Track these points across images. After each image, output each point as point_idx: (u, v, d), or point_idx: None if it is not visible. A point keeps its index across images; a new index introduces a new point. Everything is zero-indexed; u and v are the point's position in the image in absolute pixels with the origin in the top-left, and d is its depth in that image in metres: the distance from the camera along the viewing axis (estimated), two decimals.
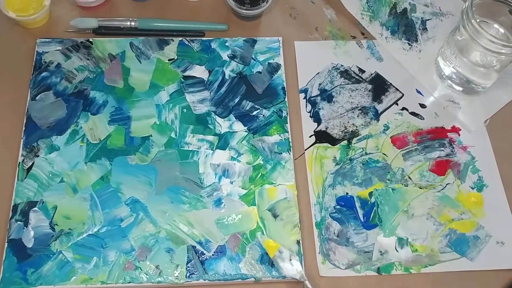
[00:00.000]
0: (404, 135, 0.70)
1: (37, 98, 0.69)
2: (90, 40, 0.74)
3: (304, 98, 0.72)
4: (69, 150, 0.66)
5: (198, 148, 0.67)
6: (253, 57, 0.74)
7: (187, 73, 0.72)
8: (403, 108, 0.73)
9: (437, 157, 0.69)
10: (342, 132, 0.70)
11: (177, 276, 0.60)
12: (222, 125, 0.69)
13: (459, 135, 0.71)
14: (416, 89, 0.74)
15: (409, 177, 0.67)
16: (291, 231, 0.63)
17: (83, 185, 0.64)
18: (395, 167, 0.68)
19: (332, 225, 0.64)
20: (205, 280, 0.60)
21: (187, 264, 0.60)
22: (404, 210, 0.65)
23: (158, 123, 0.68)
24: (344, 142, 0.69)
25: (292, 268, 0.60)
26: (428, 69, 0.76)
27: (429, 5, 0.80)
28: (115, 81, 0.71)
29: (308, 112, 0.71)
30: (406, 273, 0.62)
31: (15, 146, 0.66)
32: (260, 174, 0.66)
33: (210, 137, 0.68)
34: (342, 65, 0.75)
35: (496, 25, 0.70)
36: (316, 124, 0.71)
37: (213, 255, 0.61)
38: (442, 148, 0.70)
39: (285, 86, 0.72)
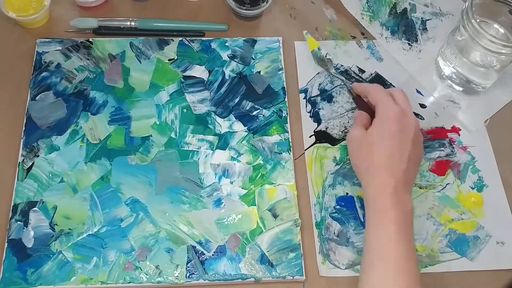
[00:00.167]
0: None
1: (37, 98, 0.69)
2: (90, 40, 0.74)
3: (304, 98, 0.72)
4: (69, 150, 0.66)
5: (198, 148, 0.67)
6: (253, 56, 0.74)
7: (187, 73, 0.72)
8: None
9: (437, 157, 0.69)
10: (342, 132, 0.70)
11: (177, 276, 0.60)
12: (222, 125, 0.69)
13: (459, 135, 0.71)
14: (416, 89, 0.74)
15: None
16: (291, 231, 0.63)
17: (83, 185, 0.64)
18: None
19: (332, 225, 0.64)
20: (205, 280, 0.60)
21: (187, 264, 0.60)
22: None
23: (158, 123, 0.68)
24: (344, 142, 0.69)
25: (325, 63, 0.70)
26: (428, 69, 0.76)
27: (429, 5, 0.80)
28: (115, 81, 0.71)
29: (308, 112, 0.71)
30: None
31: (15, 146, 0.66)
32: (260, 174, 0.66)
33: (210, 137, 0.68)
34: (342, 65, 0.75)
35: (496, 25, 0.70)
36: (316, 124, 0.71)
37: (213, 255, 0.61)
38: (442, 148, 0.70)
39: (285, 86, 0.72)
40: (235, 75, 0.73)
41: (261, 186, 0.65)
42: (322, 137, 0.70)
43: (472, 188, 0.67)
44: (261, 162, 0.67)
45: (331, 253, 0.62)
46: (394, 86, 0.74)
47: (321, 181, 0.67)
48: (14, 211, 0.62)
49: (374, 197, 0.56)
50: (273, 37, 0.76)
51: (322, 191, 0.66)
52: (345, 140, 0.69)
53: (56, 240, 0.61)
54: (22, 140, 0.66)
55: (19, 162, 0.65)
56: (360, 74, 0.75)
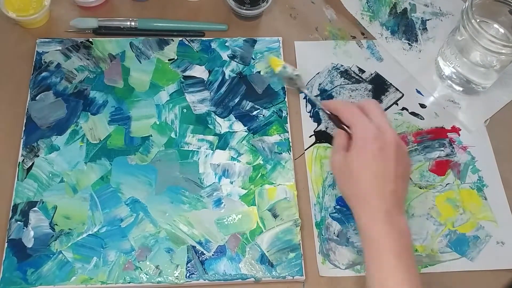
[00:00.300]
0: (404, 135, 0.70)
1: (37, 98, 0.69)
2: (90, 40, 0.74)
3: (304, 98, 0.72)
4: (69, 150, 0.66)
5: (198, 148, 0.67)
6: (253, 56, 0.74)
7: (187, 73, 0.72)
8: (403, 108, 0.73)
9: (437, 157, 0.69)
10: None
11: (177, 276, 0.60)
12: (222, 125, 0.69)
13: (459, 135, 0.71)
14: (416, 89, 0.74)
15: (409, 177, 0.67)
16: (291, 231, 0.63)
17: (83, 185, 0.64)
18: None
19: (332, 225, 0.64)
20: (205, 280, 0.60)
21: (187, 264, 0.60)
22: (404, 210, 0.65)
23: (158, 123, 0.68)
24: None
25: (293, 81, 0.65)
26: (428, 69, 0.76)
27: (429, 5, 0.80)
28: (115, 81, 0.71)
29: (308, 112, 0.71)
30: None
31: (15, 146, 0.66)
32: (260, 174, 0.66)
33: (210, 137, 0.68)
34: (342, 65, 0.75)
35: (496, 25, 0.70)
36: (316, 124, 0.71)
37: (213, 255, 0.61)
38: (442, 148, 0.70)
39: (285, 86, 0.72)
40: (235, 75, 0.73)
41: (261, 186, 0.65)
42: (322, 137, 0.70)
43: (472, 188, 0.67)
44: (261, 162, 0.67)
45: (331, 253, 0.62)
46: (394, 86, 0.74)
47: (321, 181, 0.67)
48: (14, 211, 0.62)
49: (366, 226, 0.53)
50: (273, 37, 0.76)
51: (322, 191, 0.66)
52: None
53: (56, 240, 0.61)
54: (22, 140, 0.66)
55: (19, 162, 0.65)
56: (360, 74, 0.75)
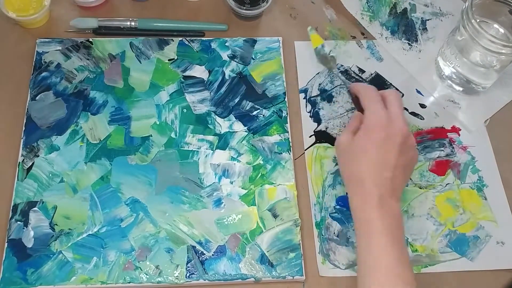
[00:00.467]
0: None
1: (37, 98, 0.69)
2: (90, 40, 0.74)
3: (304, 98, 0.72)
4: (69, 150, 0.66)
5: (198, 148, 0.67)
6: (253, 57, 0.74)
7: (187, 73, 0.72)
8: (403, 108, 0.72)
9: (437, 157, 0.69)
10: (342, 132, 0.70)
11: (177, 276, 0.60)
12: (222, 125, 0.69)
13: (459, 135, 0.71)
14: (416, 89, 0.74)
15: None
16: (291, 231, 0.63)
17: (83, 185, 0.64)
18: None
19: (332, 225, 0.64)
20: (205, 280, 0.60)
21: (187, 264, 0.60)
22: (404, 210, 0.65)
23: (158, 123, 0.68)
24: None
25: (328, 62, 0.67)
26: (428, 69, 0.76)
27: (429, 5, 0.80)
28: (115, 81, 0.71)
29: (308, 112, 0.71)
30: None
31: (15, 146, 0.66)
32: (260, 174, 0.66)
33: (210, 137, 0.68)
34: (342, 65, 0.75)
35: (496, 25, 0.70)
36: (316, 124, 0.71)
37: (213, 255, 0.61)
38: (442, 148, 0.70)
39: (285, 86, 0.72)
40: (235, 75, 0.73)
41: (261, 186, 0.65)
42: (322, 137, 0.70)
43: (472, 188, 0.67)
44: (261, 162, 0.67)
45: (331, 253, 0.62)
46: (394, 86, 0.74)
47: (321, 181, 0.67)
48: (14, 211, 0.62)
49: (359, 208, 0.55)
50: (273, 37, 0.76)
51: (322, 191, 0.66)
52: None
53: (56, 240, 0.61)
54: (22, 140, 0.66)
55: (19, 162, 0.65)
56: (360, 74, 0.75)
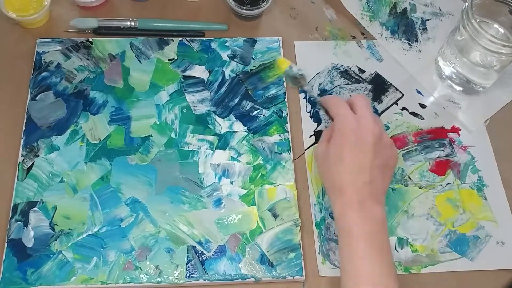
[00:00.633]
0: (404, 135, 0.70)
1: (37, 98, 0.69)
2: (90, 40, 0.74)
3: (304, 98, 0.72)
4: (69, 150, 0.66)
5: (198, 148, 0.67)
6: (253, 57, 0.74)
7: (187, 73, 0.72)
8: (403, 108, 0.73)
9: (437, 157, 0.69)
10: None
11: (177, 276, 0.60)
12: (222, 125, 0.69)
13: (459, 135, 0.71)
14: (416, 89, 0.74)
15: (409, 177, 0.67)
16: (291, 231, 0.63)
17: (83, 185, 0.64)
18: (395, 167, 0.68)
19: (332, 225, 0.64)
20: (205, 280, 0.60)
21: (187, 264, 0.60)
22: (404, 210, 0.65)
23: (158, 123, 0.68)
24: None
25: (297, 80, 0.61)
26: (428, 69, 0.76)
27: (429, 5, 0.80)
28: (115, 81, 0.71)
29: (308, 112, 0.71)
30: (406, 273, 0.62)
31: (15, 146, 0.66)
32: (260, 174, 0.66)
33: (210, 137, 0.68)
34: (342, 65, 0.75)
35: (496, 25, 0.70)
36: (316, 124, 0.71)
37: (213, 255, 0.61)
38: (442, 148, 0.70)
39: (285, 86, 0.72)
40: (235, 75, 0.73)
41: (261, 186, 0.65)
42: None
43: (472, 188, 0.67)
44: (261, 162, 0.67)
45: (331, 253, 0.62)
46: (394, 86, 0.74)
47: (321, 181, 0.66)
48: (14, 211, 0.62)
49: (340, 215, 0.54)
50: (273, 37, 0.76)
51: (322, 191, 0.66)
52: None
53: (56, 240, 0.61)
54: (22, 140, 0.66)
55: (19, 162, 0.65)
56: (360, 74, 0.75)
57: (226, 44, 0.75)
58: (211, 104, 0.70)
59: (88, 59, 0.72)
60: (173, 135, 0.68)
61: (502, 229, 0.65)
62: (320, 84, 0.73)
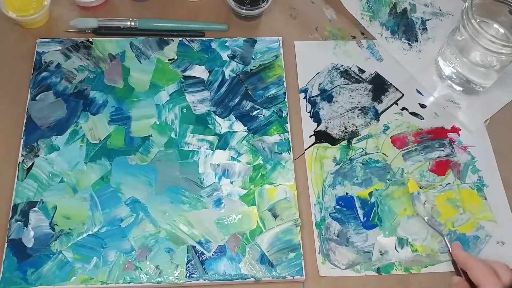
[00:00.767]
0: (404, 135, 0.70)
1: (37, 98, 0.69)
2: (90, 40, 0.74)
3: (304, 98, 0.72)
4: (69, 150, 0.66)
5: (198, 148, 0.67)
6: (253, 57, 0.74)
7: (187, 73, 0.72)
8: (403, 108, 0.73)
9: (437, 157, 0.69)
10: (342, 132, 0.70)
11: (177, 276, 0.60)
12: (222, 125, 0.69)
13: (459, 135, 0.71)
14: (416, 89, 0.74)
15: (409, 177, 0.67)
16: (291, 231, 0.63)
17: (83, 185, 0.64)
18: (395, 167, 0.68)
19: (332, 225, 0.64)
20: (205, 280, 0.60)
21: (187, 264, 0.60)
22: (404, 210, 0.65)
23: (158, 123, 0.68)
24: (344, 142, 0.69)
25: (423, 210, 0.64)
26: (428, 69, 0.76)
27: (429, 5, 0.80)
28: (115, 81, 0.71)
29: (308, 112, 0.71)
30: (406, 273, 0.62)
31: (15, 146, 0.66)
32: (260, 174, 0.66)
33: (210, 137, 0.68)
34: (342, 65, 0.75)
35: (496, 25, 0.70)
36: (316, 124, 0.71)
37: (213, 255, 0.61)
38: (442, 148, 0.70)
39: (285, 86, 0.72)
40: (235, 75, 0.73)
41: (261, 186, 0.65)
42: (322, 137, 0.70)
43: (472, 188, 0.67)
44: (261, 162, 0.67)
45: (331, 253, 0.62)
46: (394, 86, 0.74)
47: (321, 181, 0.66)
48: (14, 211, 0.62)
49: None
50: (273, 37, 0.76)
51: (322, 191, 0.66)
52: (345, 140, 0.69)
53: (56, 240, 0.61)
54: (22, 140, 0.66)
55: (19, 162, 0.65)
56: (360, 74, 0.75)
57: (226, 44, 0.75)
58: (211, 104, 0.70)
59: (88, 59, 0.72)
60: (173, 135, 0.68)
61: (502, 229, 0.65)
62: (320, 84, 0.73)
